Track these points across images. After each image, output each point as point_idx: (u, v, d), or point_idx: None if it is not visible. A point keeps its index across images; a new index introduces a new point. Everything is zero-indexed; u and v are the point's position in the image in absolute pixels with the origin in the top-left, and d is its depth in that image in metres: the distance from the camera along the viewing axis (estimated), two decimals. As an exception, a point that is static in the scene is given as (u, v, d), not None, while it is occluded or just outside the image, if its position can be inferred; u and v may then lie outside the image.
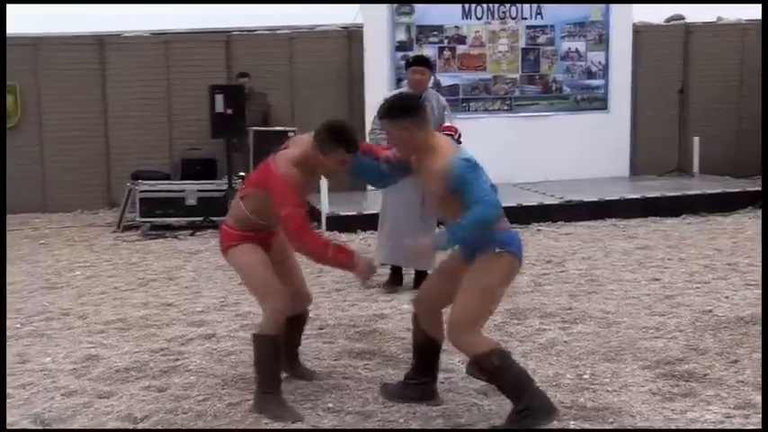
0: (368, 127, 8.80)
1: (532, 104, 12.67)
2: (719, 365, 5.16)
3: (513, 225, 10.50)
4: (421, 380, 4.70)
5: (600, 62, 12.97)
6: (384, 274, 7.40)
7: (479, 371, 4.26)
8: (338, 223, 10.12)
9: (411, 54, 12.34)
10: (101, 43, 12.41)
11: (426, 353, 4.70)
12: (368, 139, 7.54)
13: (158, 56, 12.49)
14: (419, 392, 4.67)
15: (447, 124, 7.26)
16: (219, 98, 10.16)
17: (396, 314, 6.50)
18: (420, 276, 7.27)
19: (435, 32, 12.46)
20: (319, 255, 4.52)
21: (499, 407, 4.50)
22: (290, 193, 4.40)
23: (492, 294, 4.28)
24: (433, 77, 10.70)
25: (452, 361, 5.22)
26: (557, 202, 10.78)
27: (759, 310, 6.28)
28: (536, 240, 9.34)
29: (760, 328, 5.82)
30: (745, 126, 13.32)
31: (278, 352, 4.63)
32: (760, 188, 11.39)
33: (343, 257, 4.48)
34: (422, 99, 7.21)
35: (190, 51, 12.49)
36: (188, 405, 4.69)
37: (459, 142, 7.13)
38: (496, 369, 4.17)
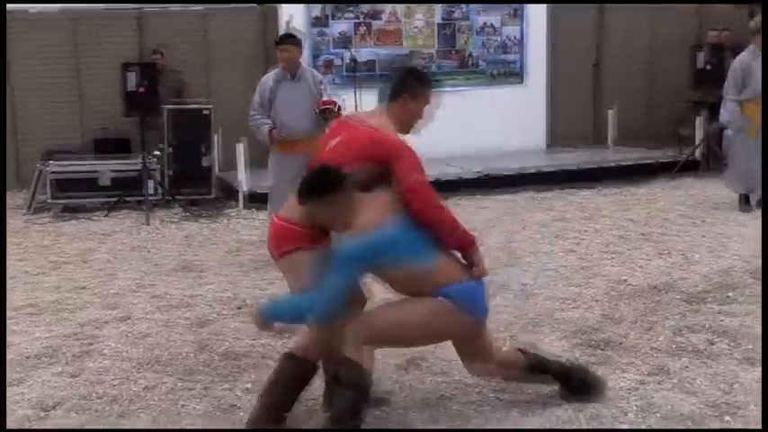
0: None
1: (449, 79, 12.66)
2: (634, 333, 5.25)
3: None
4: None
5: (515, 36, 13.03)
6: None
7: (330, 372, 4.02)
8: (256, 200, 9.98)
9: (327, 31, 12.28)
10: (7, 19, 11.98)
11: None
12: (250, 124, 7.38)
13: (67, 33, 12.10)
14: None
15: (325, 98, 7.20)
16: (131, 76, 9.89)
17: (315, 291, 6.44)
18: None
19: (351, 8, 12.35)
20: (454, 227, 3.99)
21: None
22: (416, 157, 3.97)
23: (414, 325, 3.88)
24: (350, 53, 10.68)
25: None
26: (475, 175, 10.84)
27: (671, 278, 6.42)
28: (455, 214, 9.33)
29: (672, 296, 5.95)
30: (657, 98, 13.55)
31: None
32: (672, 159, 11.63)
33: (470, 238, 4.06)
34: (296, 76, 7.19)
35: (100, 28, 12.13)
36: (102, 390, 4.59)
37: (339, 114, 7.04)
38: (349, 381, 3.77)
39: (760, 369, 4.57)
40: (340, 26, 12.22)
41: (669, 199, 9.89)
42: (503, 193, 10.49)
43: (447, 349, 5.06)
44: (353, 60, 10.93)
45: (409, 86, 4.18)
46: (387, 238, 3.78)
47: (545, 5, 13.02)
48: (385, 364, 4.84)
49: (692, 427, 3.77)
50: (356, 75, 10.19)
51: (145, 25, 12.30)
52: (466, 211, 9.56)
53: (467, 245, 4.02)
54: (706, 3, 13.48)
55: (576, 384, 4.26)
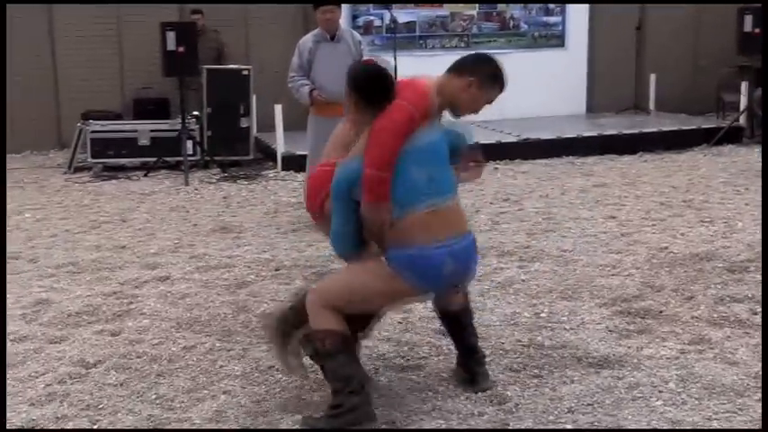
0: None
1: (490, 41, 12.55)
2: (675, 302, 5.18)
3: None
4: None
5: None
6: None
7: (306, 345, 3.89)
8: (294, 163, 9.99)
9: (369, -10, 12.17)
10: (47, -20, 12.02)
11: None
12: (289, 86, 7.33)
13: (107, -8, 12.15)
14: None
15: (366, 58, 7.13)
16: (171, 36, 9.89)
17: (353, 254, 6.44)
18: None
19: (392, -32, 12.24)
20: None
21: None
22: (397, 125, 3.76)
23: (358, 288, 3.77)
24: (390, 14, 10.57)
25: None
26: (514, 140, 10.75)
27: (713, 246, 6.33)
28: (493, 179, 9.31)
29: (714, 265, 5.86)
30: (701, 63, 13.32)
31: None
32: (714, 125, 11.44)
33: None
34: (336, 38, 7.12)
35: (140, -13, 12.15)
36: (142, 349, 4.62)
37: None
38: (323, 353, 3.73)
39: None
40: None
41: (712, 166, 9.74)
42: (542, 157, 10.41)
43: (486, 313, 5.06)
44: (393, 21, 10.83)
45: (483, 74, 3.91)
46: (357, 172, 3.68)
47: (588, -32, 12.81)
48: (423, 328, 4.84)
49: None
50: (396, 36, 10.10)
51: (184, -15, 12.28)
52: (505, 176, 9.52)
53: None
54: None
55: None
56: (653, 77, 12.71)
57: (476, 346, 4.17)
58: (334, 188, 3.75)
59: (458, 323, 4.16)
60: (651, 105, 12.76)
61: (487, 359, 4.36)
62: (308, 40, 7.25)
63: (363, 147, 3.75)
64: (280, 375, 4.28)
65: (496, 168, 9.92)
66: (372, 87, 3.81)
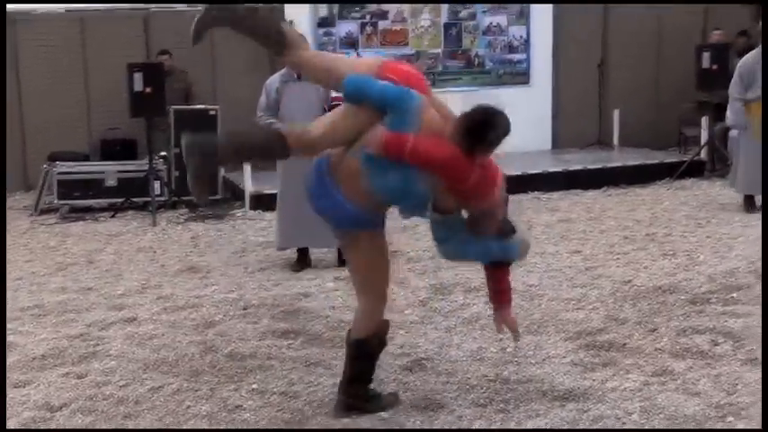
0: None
1: (455, 79, 12.70)
2: (638, 334, 5.26)
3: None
4: None
5: (521, 36, 13.05)
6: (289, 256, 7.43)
7: None
8: (262, 202, 10.01)
9: (334, 31, 12.30)
10: (12, 21, 12.02)
11: None
12: None
13: (73, 33, 12.16)
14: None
15: (335, 95, 7.22)
16: (138, 76, 9.92)
17: (320, 293, 6.47)
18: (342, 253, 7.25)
19: (357, 8, 12.38)
20: None
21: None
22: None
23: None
24: (356, 54, 10.67)
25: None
26: (480, 176, 10.82)
27: (676, 279, 6.42)
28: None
29: (677, 297, 5.95)
30: (663, 99, 13.55)
31: None
32: (676, 160, 11.63)
33: None
34: (302, 77, 7.16)
35: (107, 28, 12.18)
36: (108, 391, 4.61)
37: None
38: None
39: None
40: (346, 26, 12.26)
41: (674, 200, 9.90)
42: (508, 193, 10.44)
43: (452, 349, 5.10)
44: (359, 61, 10.91)
45: (488, 143, 4.01)
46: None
47: (550, 5, 13.03)
48: (389, 365, 4.86)
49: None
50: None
51: (151, 25, 12.34)
52: (471, 212, 9.58)
53: None
54: (712, 2, 13.46)
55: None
56: (616, 113, 12.91)
57: None
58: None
59: None
60: (615, 140, 12.94)
61: (454, 394, 4.41)
62: (274, 80, 7.31)
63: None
64: (247, 415, 4.29)
65: (463, 205, 9.99)
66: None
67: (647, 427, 4.01)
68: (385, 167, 3.94)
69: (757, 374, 4.52)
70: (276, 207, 7.51)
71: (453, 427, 4.10)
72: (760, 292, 5.99)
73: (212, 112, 10.82)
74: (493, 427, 4.10)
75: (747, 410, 4.14)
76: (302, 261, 7.34)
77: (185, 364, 5.00)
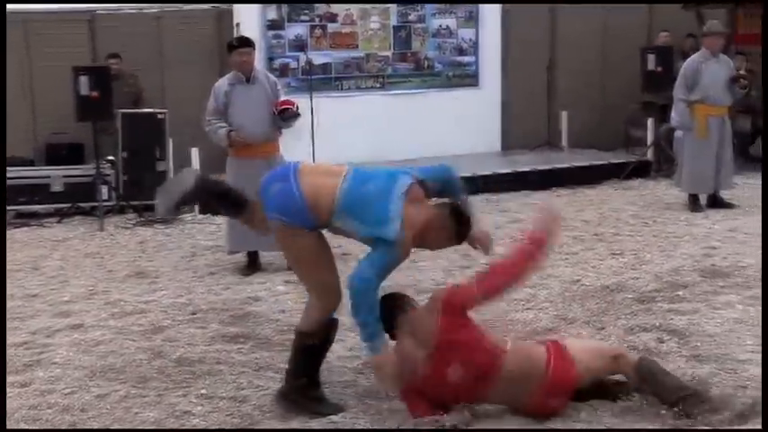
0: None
1: (405, 82, 12.71)
2: (586, 333, 5.31)
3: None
4: None
5: (470, 39, 13.11)
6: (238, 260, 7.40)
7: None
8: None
9: (283, 34, 12.25)
10: (-46, 24, 11.81)
11: None
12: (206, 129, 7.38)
13: (17, 36, 11.95)
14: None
15: (282, 99, 7.21)
16: (84, 80, 9.79)
17: (270, 297, 6.45)
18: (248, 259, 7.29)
19: (306, 10, 12.34)
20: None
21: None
22: None
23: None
24: (306, 56, 10.63)
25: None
26: (431, 178, 10.84)
27: (623, 278, 6.50)
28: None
29: (624, 296, 6.02)
30: (610, 100, 13.70)
31: None
32: (624, 160, 11.77)
33: None
34: (251, 80, 7.17)
35: (52, 31, 11.99)
36: (53, 399, 4.54)
37: (298, 114, 7.12)
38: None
39: (707, 366, 4.64)
40: (295, 29, 12.20)
41: (621, 200, 10.02)
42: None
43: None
44: (309, 63, 10.93)
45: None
46: None
47: (499, 7, 13.11)
48: (340, 368, 4.85)
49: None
50: (311, 78, 10.19)
51: (97, 27, 12.18)
52: (421, 214, 9.60)
53: None
54: (657, 2, 13.63)
55: None
56: (564, 115, 13.03)
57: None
58: None
59: None
60: (564, 142, 13.06)
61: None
62: (223, 83, 7.26)
63: None
64: (196, 420, 4.26)
65: (414, 207, 10.01)
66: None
67: (596, 426, 4.05)
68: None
69: (701, 370, 4.58)
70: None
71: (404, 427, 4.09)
72: (705, 290, 6.10)
73: (160, 116, 10.71)
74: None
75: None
76: (252, 265, 7.30)
77: (133, 370, 4.95)
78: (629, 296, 6.03)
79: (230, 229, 7.26)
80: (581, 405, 4.20)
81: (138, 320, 5.90)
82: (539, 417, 4.08)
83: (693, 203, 9.19)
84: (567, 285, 6.39)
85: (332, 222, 4.21)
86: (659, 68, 11.19)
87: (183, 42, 12.26)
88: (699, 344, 5.03)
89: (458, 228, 4.28)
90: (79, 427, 4.22)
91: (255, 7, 11.97)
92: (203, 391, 4.61)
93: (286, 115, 7.09)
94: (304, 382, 4.34)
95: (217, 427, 4.18)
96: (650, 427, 4.01)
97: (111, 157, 10.54)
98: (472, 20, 13.08)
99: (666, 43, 12.16)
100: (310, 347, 4.35)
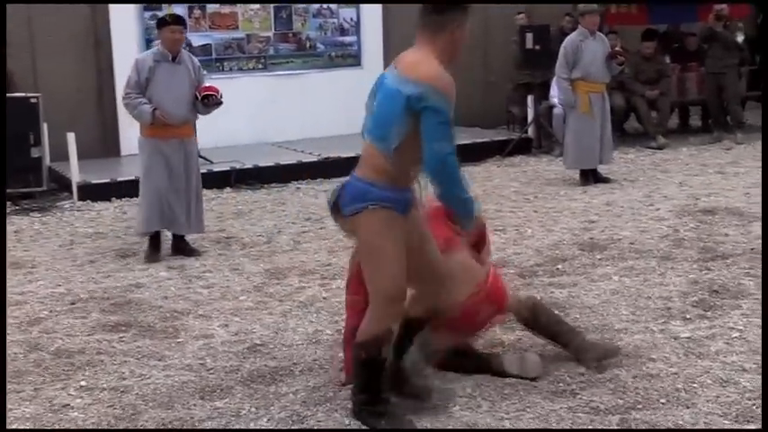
0: (119, 91, 8.42)
1: (287, 62, 12.60)
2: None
3: (272, 184, 10.41)
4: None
5: (351, 19, 13.09)
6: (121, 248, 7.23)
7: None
8: (91, 192, 9.67)
9: (160, 14, 11.96)
10: None
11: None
12: (122, 105, 7.19)
13: None
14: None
15: (206, 85, 7.07)
16: (-50, 64, 9.37)
17: (152, 283, 6.31)
18: (177, 240, 7.11)
19: (185, -10, 12.08)
20: None
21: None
22: None
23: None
24: (186, 39, 10.36)
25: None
26: (314, 159, 10.84)
27: (506, 254, 6.62)
28: (295, 199, 9.36)
29: (506, 271, 6.13)
30: (492, 79, 13.90)
31: None
32: (506, 138, 11.97)
33: None
34: (177, 59, 6.98)
35: None
36: None
37: (221, 102, 7.01)
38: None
39: (585, 337, 4.77)
40: (174, 9, 11.93)
41: (504, 177, 10.20)
42: (343, 175, 10.41)
43: (288, 333, 5.08)
44: (188, 44, 10.68)
45: (454, 13, 3.84)
46: None
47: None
48: (225, 353, 4.79)
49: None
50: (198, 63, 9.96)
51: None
52: (307, 195, 9.58)
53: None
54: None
55: None
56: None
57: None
58: None
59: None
60: (447, 120, 13.17)
61: (289, 379, 4.39)
62: (147, 58, 6.99)
63: None
64: (75, 414, 4.14)
65: (298, 188, 9.98)
66: None
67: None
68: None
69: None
70: (140, 192, 7.13)
71: (288, 411, 4.07)
72: (584, 263, 6.27)
73: (33, 101, 10.30)
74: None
75: (574, 378, 4.30)
76: (156, 249, 7.09)
77: (7, 365, 4.76)
78: (512, 271, 6.15)
79: (144, 210, 7.03)
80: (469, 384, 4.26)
81: (12, 313, 5.68)
82: (464, 328, 4.28)
83: (584, 179, 9.39)
84: (451, 262, 6.45)
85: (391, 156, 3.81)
86: (537, 47, 11.41)
87: (55, 24, 11.81)
88: (578, 316, 5.17)
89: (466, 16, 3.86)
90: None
91: (132, -16, 11.65)
92: (83, 383, 4.48)
93: (209, 102, 6.95)
94: (365, 398, 3.95)
95: (94, 423, 4.07)
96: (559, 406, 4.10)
97: (-18, 144, 10.11)
98: (353, -1, 13.06)
99: (524, 23, 12.42)
100: (366, 361, 3.91)
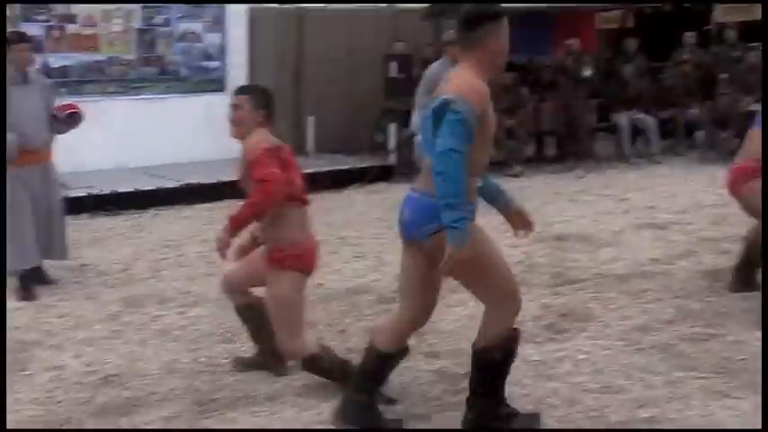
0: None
1: (150, 86, 12.42)
2: (329, 336, 5.45)
3: (130, 210, 10.13)
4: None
5: (217, 44, 13.03)
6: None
7: None
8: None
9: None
10: None
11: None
12: None
13: None
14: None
15: (66, 103, 6.85)
16: None
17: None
18: (28, 277, 6.64)
19: (42, 10, 11.76)
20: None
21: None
22: None
23: None
24: (43, 61, 10.09)
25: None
26: (174, 185, 10.68)
27: (365, 280, 6.71)
28: (154, 225, 9.21)
29: (366, 298, 6.21)
30: (355, 106, 14.01)
31: None
32: (368, 165, 12.12)
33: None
34: (27, 79, 6.67)
35: None
36: None
37: (83, 118, 6.78)
38: None
39: (442, 362, 4.88)
40: (31, 29, 11.55)
41: (366, 203, 10.30)
42: (203, 202, 10.32)
43: (143, 363, 4.99)
44: (46, 66, 10.41)
45: (484, 25, 3.85)
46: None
47: (245, 11, 13.11)
48: (78, 384, 4.67)
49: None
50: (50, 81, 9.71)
51: None
52: (166, 221, 9.44)
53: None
54: (398, 2, 14.03)
55: None
56: (311, 120, 13.21)
57: None
58: None
59: None
60: (310, 147, 13.24)
61: (144, 410, 4.32)
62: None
63: None
64: None
65: (157, 215, 9.81)
66: None
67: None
68: None
69: (435, 365, 4.82)
70: (7, 226, 6.39)
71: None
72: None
73: None
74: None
75: (429, 403, 4.40)
76: (38, 281, 6.67)
77: None
78: (371, 297, 6.24)
79: (15, 245, 6.40)
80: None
81: None
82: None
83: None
84: (310, 289, 6.44)
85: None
86: (401, 75, 11.64)
87: None
88: (435, 341, 5.29)
89: (498, 24, 3.87)
90: None
91: (-16, 5, 11.26)
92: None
93: (73, 120, 6.68)
94: (492, 404, 4.01)
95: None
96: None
97: None
98: (219, 24, 13.01)
99: (403, 52, 12.66)
100: (491, 365, 4.01)
